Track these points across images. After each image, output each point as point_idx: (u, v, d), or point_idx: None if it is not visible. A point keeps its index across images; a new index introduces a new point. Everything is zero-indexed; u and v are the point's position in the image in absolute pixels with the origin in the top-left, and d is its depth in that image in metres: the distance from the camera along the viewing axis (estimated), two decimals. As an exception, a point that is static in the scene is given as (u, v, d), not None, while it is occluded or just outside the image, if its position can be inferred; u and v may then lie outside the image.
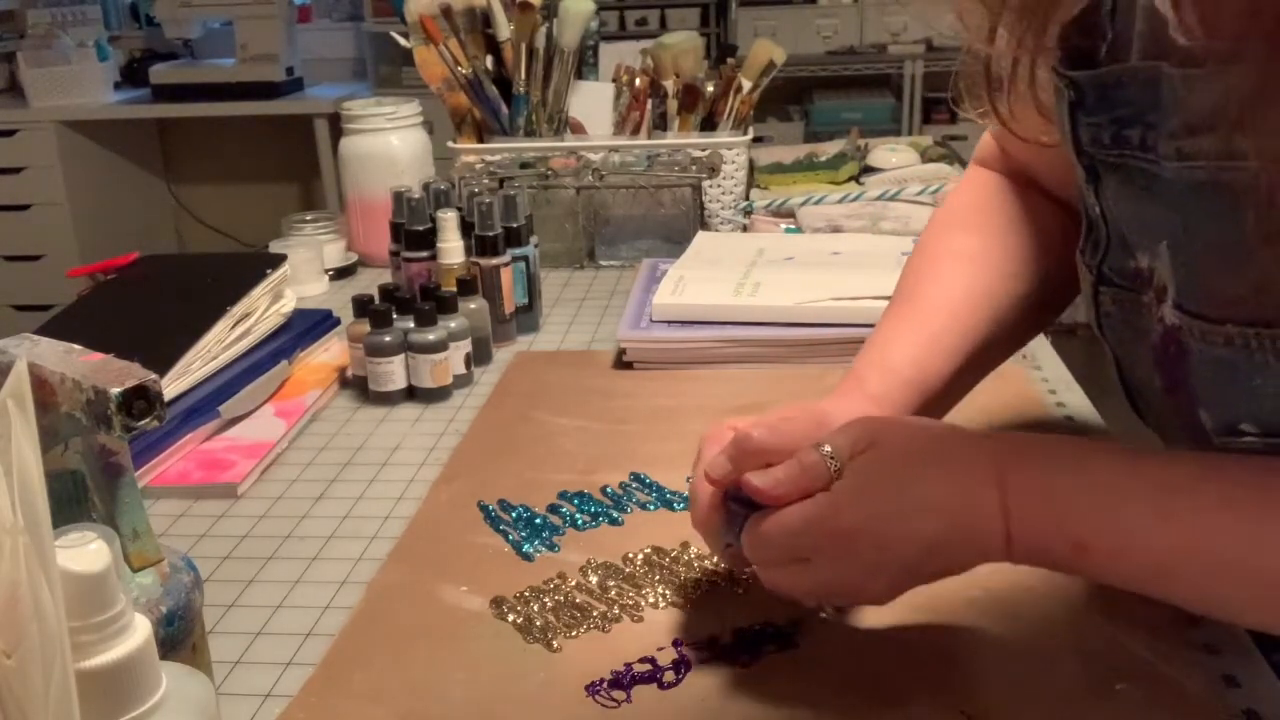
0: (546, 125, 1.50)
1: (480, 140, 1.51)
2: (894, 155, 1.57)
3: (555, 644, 0.66)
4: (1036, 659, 0.63)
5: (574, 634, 0.67)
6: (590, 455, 0.90)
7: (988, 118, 0.69)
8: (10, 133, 3.59)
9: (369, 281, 1.37)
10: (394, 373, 1.02)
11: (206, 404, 0.97)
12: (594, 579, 0.73)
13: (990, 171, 0.82)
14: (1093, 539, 0.56)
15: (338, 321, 1.18)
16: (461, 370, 1.05)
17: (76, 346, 0.54)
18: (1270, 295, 0.53)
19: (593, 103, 1.54)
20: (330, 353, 1.14)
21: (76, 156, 3.67)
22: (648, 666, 0.64)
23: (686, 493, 0.83)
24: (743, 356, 1.07)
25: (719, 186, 1.44)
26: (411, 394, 1.03)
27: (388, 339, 1.02)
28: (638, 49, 1.58)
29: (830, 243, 1.28)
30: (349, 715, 0.62)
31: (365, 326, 1.03)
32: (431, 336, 1.02)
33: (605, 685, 0.62)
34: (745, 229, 1.45)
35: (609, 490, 0.84)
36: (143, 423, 0.50)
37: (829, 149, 1.68)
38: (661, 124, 1.51)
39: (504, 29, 1.47)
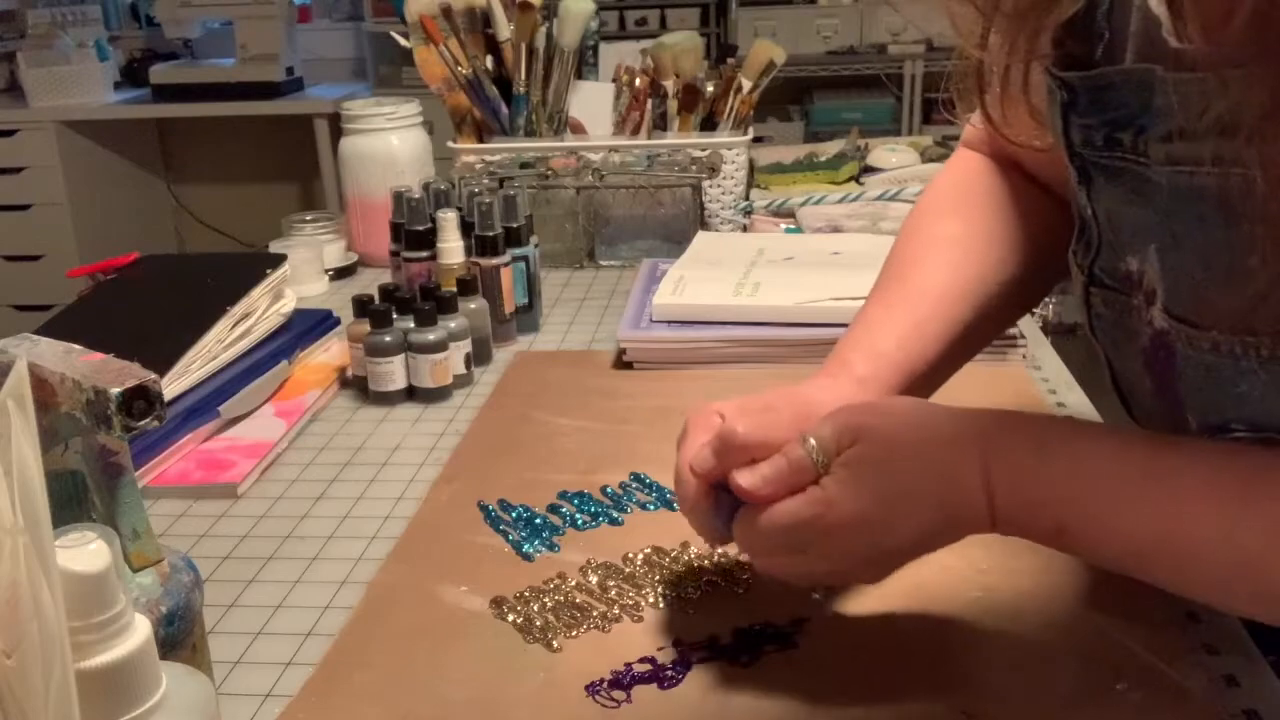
0: (546, 125, 1.50)
1: (480, 140, 1.51)
2: (894, 155, 1.58)
3: (555, 644, 0.66)
4: (1036, 659, 0.63)
5: (574, 634, 0.67)
6: (590, 455, 0.90)
7: (980, 121, 0.69)
8: (10, 133, 3.59)
9: (369, 281, 1.37)
10: (394, 373, 1.02)
11: (206, 404, 0.97)
12: (594, 579, 0.73)
13: (977, 154, 0.82)
14: (1072, 522, 0.57)
15: (338, 321, 1.18)
16: (461, 370, 1.05)
17: (76, 346, 0.54)
18: (1257, 304, 0.53)
19: (593, 103, 1.54)
20: (330, 353, 1.14)
21: (76, 156, 3.67)
22: (648, 666, 0.64)
23: (686, 493, 0.83)
24: (743, 356, 1.07)
25: (719, 186, 1.44)
26: (411, 394, 1.03)
27: (388, 339, 1.02)
28: (638, 49, 1.58)
29: (830, 243, 1.28)
30: (349, 715, 0.62)
31: (365, 326, 1.03)
32: (431, 336, 1.02)
33: (605, 685, 0.62)
34: (745, 229, 1.45)
35: (609, 490, 0.84)
36: (143, 423, 0.50)
37: (829, 149, 1.68)
38: (661, 124, 1.51)
39: (504, 29, 1.47)
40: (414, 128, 1.46)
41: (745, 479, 0.61)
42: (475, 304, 1.09)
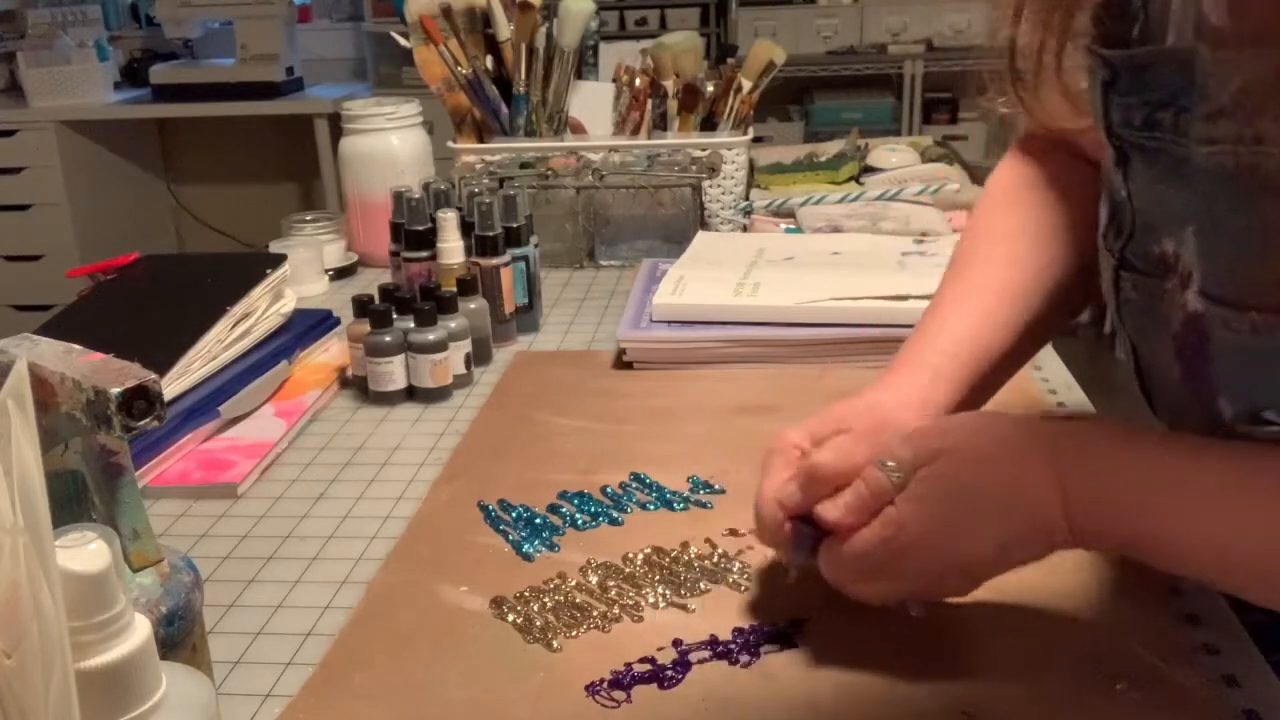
0: (546, 125, 1.50)
1: (480, 140, 1.51)
2: (894, 155, 1.58)
3: (555, 644, 0.66)
4: (1036, 659, 0.63)
5: (574, 634, 0.67)
6: (590, 455, 0.90)
7: (1012, 107, 0.69)
8: (10, 133, 3.59)
9: (369, 281, 1.37)
10: (394, 373, 1.02)
11: (206, 404, 0.97)
12: (594, 579, 0.73)
13: (1037, 141, 0.81)
14: (1149, 533, 0.58)
15: (338, 321, 1.18)
16: (461, 370, 1.05)
17: (76, 346, 0.54)
18: None
19: (593, 103, 1.54)
20: (330, 353, 1.14)
21: (76, 156, 3.67)
22: (648, 666, 0.64)
23: (685, 492, 0.83)
24: (743, 356, 1.07)
25: (719, 186, 1.44)
26: (411, 394, 1.03)
27: (388, 339, 1.02)
28: (638, 49, 1.58)
29: (830, 243, 1.28)
30: (349, 715, 0.62)
31: (365, 326, 1.03)
32: (431, 336, 1.02)
33: (605, 685, 0.62)
34: (745, 229, 1.45)
35: (609, 490, 0.84)
36: (143, 423, 0.50)
37: (829, 149, 1.68)
38: (661, 124, 1.51)
39: (504, 29, 1.47)
40: (414, 128, 1.46)
41: (830, 512, 0.62)
42: (475, 304, 1.09)
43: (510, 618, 0.69)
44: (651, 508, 0.82)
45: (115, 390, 0.49)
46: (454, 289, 1.07)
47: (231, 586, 0.75)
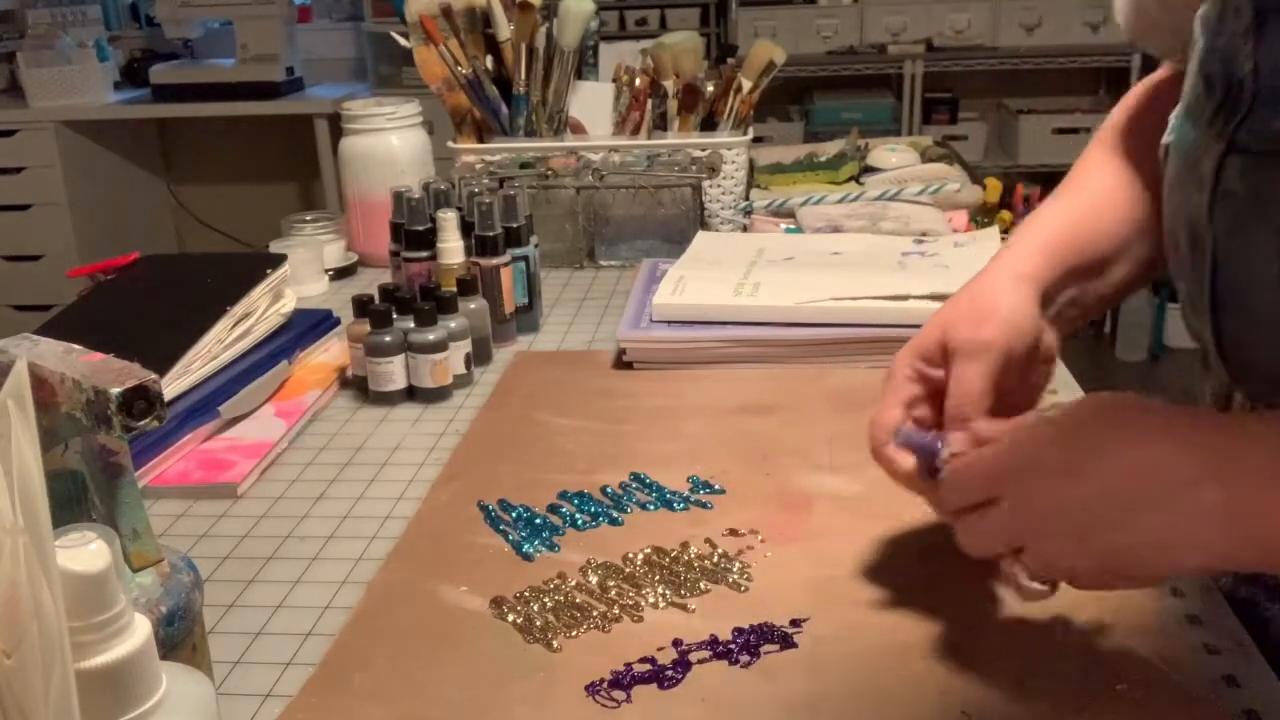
0: (546, 125, 1.50)
1: (480, 140, 1.51)
2: (894, 155, 1.57)
3: (555, 644, 0.66)
4: (1036, 659, 0.63)
5: (574, 634, 0.67)
6: (590, 455, 0.90)
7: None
8: (10, 133, 3.59)
9: (369, 281, 1.37)
10: (394, 373, 1.02)
11: (206, 404, 0.97)
12: (594, 579, 0.73)
13: (1158, 77, 0.79)
14: None
15: (338, 321, 1.18)
16: (461, 370, 1.05)
17: (76, 346, 0.54)
18: None
19: (593, 103, 1.54)
20: (330, 353, 1.14)
21: (76, 156, 3.67)
22: (648, 666, 0.64)
23: (685, 492, 0.83)
24: (743, 356, 1.07)
25: (719, 186, 1.44)
26: (411, 394, 1.03)
27: (388, 339, 1.02)
28: (638, 49, 1.58)
29: (830, 243, 1.28)
30: (349, 715, 0.62)
31: (365, 326, 1.03)
32: (431, 336, 1.02)
33: (605, 685, 0.62)
34: (745, 229, 1.45)
35: (609, 490, 0.84)
36: (143, 423, 0.50)
37: (829, 149, 1.68)
38: (661, 124, 1.51)
39: (504, 29, 1.47)
40: (414, 128, 1.46)
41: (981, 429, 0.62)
42: (475, 304, 1.09)
43: (510, 618, 0.69)
44: (651, 508, 0.82)
45: (115, 390, 0.49)
46: (454, 289, 1.07)
47: (231, 586, 0.75)
